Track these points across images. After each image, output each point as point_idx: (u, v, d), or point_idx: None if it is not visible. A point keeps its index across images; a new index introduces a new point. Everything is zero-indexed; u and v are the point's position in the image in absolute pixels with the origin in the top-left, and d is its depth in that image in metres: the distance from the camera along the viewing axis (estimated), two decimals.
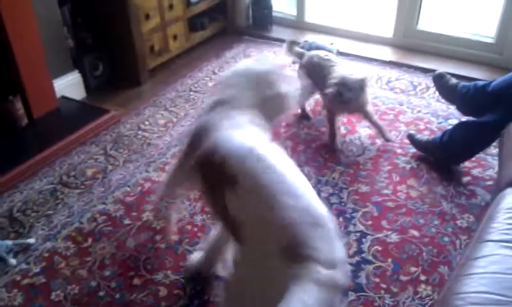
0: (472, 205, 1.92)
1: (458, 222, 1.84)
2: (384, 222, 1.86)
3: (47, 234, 1.85)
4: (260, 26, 3.55)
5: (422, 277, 1.63)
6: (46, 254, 1.77)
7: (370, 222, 1.86)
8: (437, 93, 2.34)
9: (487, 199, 1.94)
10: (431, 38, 3.09)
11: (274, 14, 3.55)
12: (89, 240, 1.82)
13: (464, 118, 2.21)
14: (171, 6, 2.97)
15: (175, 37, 3.07)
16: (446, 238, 1.78)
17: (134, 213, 1.93)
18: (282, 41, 3.39)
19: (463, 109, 2.16)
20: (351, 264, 1.68)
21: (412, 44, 3.13)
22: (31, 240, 1.80)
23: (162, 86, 2.89)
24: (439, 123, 2.43)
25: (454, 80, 2.20)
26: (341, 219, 1.88)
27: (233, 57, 3.22)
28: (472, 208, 1.91)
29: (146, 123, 2.53)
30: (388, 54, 3.16)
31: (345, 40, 3.31)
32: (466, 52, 2.97)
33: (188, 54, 3.26)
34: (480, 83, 2.08)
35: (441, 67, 2.90)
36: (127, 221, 1.90)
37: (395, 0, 3.12)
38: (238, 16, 3.56)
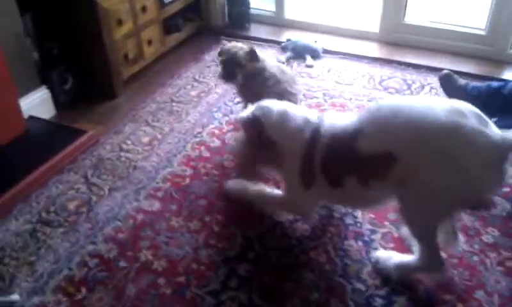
0: (493, 217, 1.81)
1: (483, 237, 1.73)
2: (406, 243, 1.72)
3: (33, 287, 1.60)
4: (237, 25, 3.35)
5: (460, 306, 1.51)
6: None
7: (392, 245, 1.72)
8: (442, 92, 2.22)
9: (508, 208, 1.84)
10: (419, 32, 2.97)
11: (251, 11, 3.35)
12: (83, 290, 1.59)
13: None
14: (143, 9, 2.71)
15: (149, 42, 2.82)
16: (475, 258, 1.65)
17: (129, 253, 1.71)
18: (262, 40, 3.22)
19: None
20: (379, 297, 1.54)
21: (400, 39, 3.01)
22: (15, 297, 1.55)
23: (140, 98, 2.64)
24: None
25: (462, 81, 2.09)
26: (360, 244, 1.73)
27: (214, 61, 3.00)
28: (494, 221, 1.79)
29: (128, 142, 2.29)
30: (375, 50, 3.02)
31: (329, 37, 3.17)
32: (457, 45, 2.87)
33: (164, 59, 3.01)
34: (494, 85, 1.97)
35: (432, 62, 2.82)
36: (122, 263, 1.67)
37: None
38: (213, 15, 3.34)
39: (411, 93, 2.58)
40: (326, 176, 1.54)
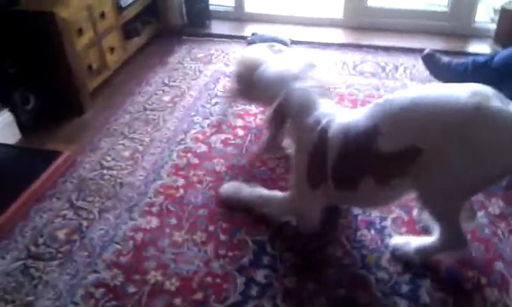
0: (494, 188, 1.83)
1: (490, 209, 1.75)
2: (418, 226, 1.71)
3: None
4: (197, 23, 3.24)
5: (483, 280, 1.51)
6: None
7: (404, 229, 1.71)
8: (427, 71, 2.23)
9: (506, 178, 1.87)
10: (383, 14, 3.00)
11: (211, 8, 3.25)
12: None
13: None
14: (102, 15, 2.56)
15: (111, 50, 2.67)
16: (486, 230, 1.67)
17: (136, 277, 1.59)
18: (225, 36, 3.14)
19: None
20: (404, 283, 1.52)
21: (365, 23, 3.03)
22: None
23: (110, 110, 2.49)
24: None
25: (445, 58, 2.10)
26: (373, 232, 1.70)
27: (180, 62, 2.89)
28: (496, 192, 1.82)
29: (108, 158, 2.15)
30: (341, 36, 3.02)
31: (293, 27, 3.13)
32: (422, 23, 2.92)
33: (128, 66, 2.87)
34: (480, 59, 2.00)
35: (401, 42, 2.85)
36: (131, 288, 1.56)
37: None
38: (172, 15, 3.22)
39: (387, 76, 2.59)
40: (337, 180, 1.49)
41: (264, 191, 1.79)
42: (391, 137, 1.35)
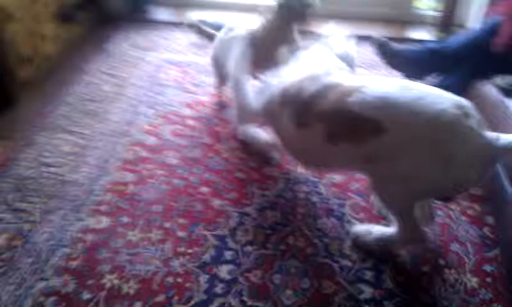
0: None
1: None
2: (375, 212, 1.73)
3: None
4: (137, 9, 3.08)
5: (442, 262, 1.56)
6: None
7: (362, 215, 1.72)
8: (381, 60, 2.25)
9: None
10: (326, 0, 2.99)
11: None
12: None
13: None
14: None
15: (45, 37, 2.46)
16: (440, 212, 1.72)
17: (90, 281, 1.48)
18: (165, 23, 3.02)
19: (412, 74, 2.11)
20: (367, 269, 1.53)
21: None
22: None
23: (45, 102, 2.30)
24: None
25: (397, 46, 2.13)
26: (333, 219, 1.70)
27: (119, 50, 2.73)
28: None
29: (47, 154, 1.99)
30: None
31: (236, 14, 3.05)
32: (362, 10, 2.96)
33: (64, 54, 2.66)
34: (434, 46, 2.05)
35: (345, 30, 2.85)
36: (86, 295, 1.44)
37: None
38: (110, 1, 3.02)
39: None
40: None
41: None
42: (366, 102, 1.34)
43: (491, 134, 1.29)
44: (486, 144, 1.27)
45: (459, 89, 1.89)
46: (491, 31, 1.87)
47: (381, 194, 1.46)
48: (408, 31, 2.87)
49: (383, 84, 1.38)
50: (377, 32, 2.81)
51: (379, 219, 1.68)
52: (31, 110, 2.25)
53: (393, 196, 1.41)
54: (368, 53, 2.63)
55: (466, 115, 1.27)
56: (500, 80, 1.82)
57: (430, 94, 1.31)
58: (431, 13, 2.81)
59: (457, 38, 2.03)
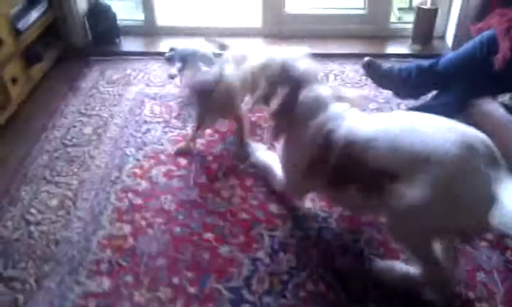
0: None
1: None
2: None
3: None
4: (105, 41, 2.95)
5: (471, 295, 1.51)
6: None
7: (381, 250, 1.66)
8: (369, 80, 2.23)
9: None
10: (301, 20, 2.97)
11: (119, 23, 2.97)
12: None
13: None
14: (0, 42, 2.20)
15: (14, 81, 2.31)
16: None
17: None
18: (138, 53, 2.91)
19: (402, 93, 2.09)
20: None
21: (284, 30, 2.96)
22: None
23: (21, 151, 2.15)
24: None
25: (385, 65, 2.11)
26: (350, 258, 1.63)
27: (94, 87, 2.60)
28: None
29: (33, 210, 1.84)
30: (261, 45, 2.93)
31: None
32: (341, 28, 2.93)
33: (35, 96, 2.52)
34: (424, 64, 2.03)
35: (323, 49, 2.83)
36: None
37: None
38: (75, 35, 2.89)
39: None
40: (331, 179, 1.49)
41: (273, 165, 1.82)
42: (381, 154, 1.34)
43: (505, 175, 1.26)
44: (491, 185, 1.23)
45: (456, 107, 1.88)
46: (485, 48, 1.86)
47: (395, 234, 1.44)
48: (387, 46, 2.86)
49: (386, 125, 1.39)
50: (358, 49, 2.80)
51: (398, 253, 1.62)
52: (9, 163, 2.09)
53: (406, 235, 1.39)
54: (352, 72, 2.61)
55: (474, 155, 1.24)
56: (508, 99, 1.82)
57: (436, 132, 1.29)
58: (410, 27, 2.82)
59: (447, 56, 2.02)
